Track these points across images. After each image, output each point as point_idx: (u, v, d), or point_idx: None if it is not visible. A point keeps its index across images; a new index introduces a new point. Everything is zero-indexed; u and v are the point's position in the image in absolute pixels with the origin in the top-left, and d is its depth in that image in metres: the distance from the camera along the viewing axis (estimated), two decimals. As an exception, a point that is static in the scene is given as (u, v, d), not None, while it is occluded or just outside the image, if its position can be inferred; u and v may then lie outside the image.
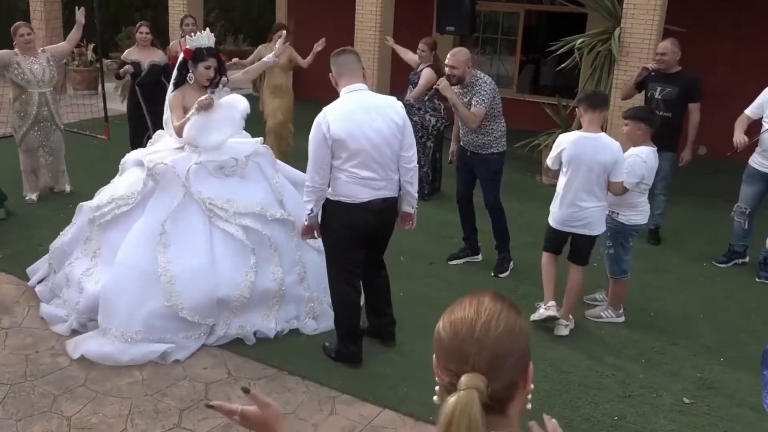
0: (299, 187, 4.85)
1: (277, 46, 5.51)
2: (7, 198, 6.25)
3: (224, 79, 4.83)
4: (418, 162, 7.12)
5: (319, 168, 3.84)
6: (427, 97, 7.19)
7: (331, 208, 3.99)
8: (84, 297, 4.34)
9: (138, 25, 7.46)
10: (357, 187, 3.87)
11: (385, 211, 4.01)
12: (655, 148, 4.67)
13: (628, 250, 4.79)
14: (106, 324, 4.18)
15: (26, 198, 6.70)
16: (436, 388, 1.36)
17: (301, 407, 3.78)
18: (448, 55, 5.24)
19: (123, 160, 4.87)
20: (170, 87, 4.77)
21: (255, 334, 4.38)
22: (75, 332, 4.36)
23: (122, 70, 7.15)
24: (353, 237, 4.01)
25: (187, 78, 4.62)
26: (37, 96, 6.52)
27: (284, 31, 7.28)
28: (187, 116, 4.47)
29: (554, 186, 6.76)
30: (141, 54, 7.23)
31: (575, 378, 4.18)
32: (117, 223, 4.47)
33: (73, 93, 12.22)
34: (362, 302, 4.41)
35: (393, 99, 4.10)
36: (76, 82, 12.61)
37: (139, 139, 7.15)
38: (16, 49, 6.47)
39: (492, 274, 5.58)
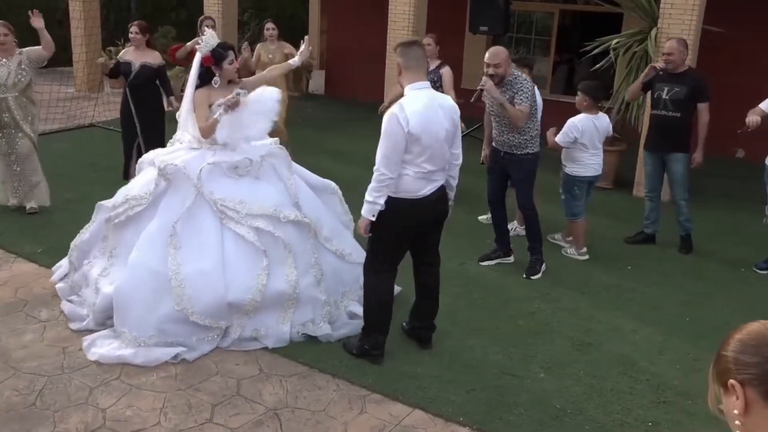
0: (315, 190, 4.87)
1: (302, 48, 5.41)
2: None
3: (243, 81, 4.84)
4: None
5: (393, 161, 3.87)
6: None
7: (396, 206, 3.96)
8: (100, 298, 4.36)
9: (130, 24, 7.20)
10: (421, 181, 3.96)
11: (441, 199, 4.14)
12: (598, 115, 5.78)
13: (576, 197, 5.88)
14: (121, 327, 4.19)
15: (9, 203, 6.42)
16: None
17: (332, 405, 3.80)
18: (489, 55, 5.19)
19: (140, 160, 4.88)
20: (190, 87, 4.70)
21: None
22: (91, 331, 4.38)
23: (100, 63, 6.84)
24: (409, 232, 4.08)
25: (212, 82, 4.60)
26: None
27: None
28: (214, 117, 4.47)
29: (588, 188, 6.64)
30: (135, 54, 6.98)
31: (607, 383, 4.13)
32: (131, 223, 4.49)
33: (110, 91, 12.40)
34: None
35: (450, 98, 4.18)
36: (112, 81, 12.77)
37: (129, 143, 7.06)
38: None
39: (524, 276, 5.54)
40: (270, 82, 5.25)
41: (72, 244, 4.91)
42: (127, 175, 7.06)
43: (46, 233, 5.96)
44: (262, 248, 4.32)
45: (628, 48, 7.91)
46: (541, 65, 11.80)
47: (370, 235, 4.07)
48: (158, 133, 7.04)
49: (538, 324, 4.81)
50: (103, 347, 4.16)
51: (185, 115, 4.75)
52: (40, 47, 6.26)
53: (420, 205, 4.00)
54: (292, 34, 15.90)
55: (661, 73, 6.10)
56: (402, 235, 4.10)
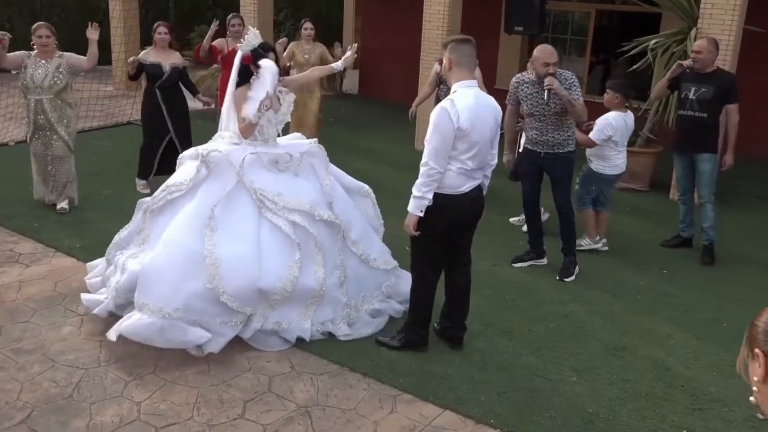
0: (349, 192, 4.88)
1: (348, 54, 5.47)
2: None
3: (285, 79, 4.88)
4: None
5: (442, 155, 3.89)
6: None
7: (437, 203, 3.99)
8: (125, 275, 4.35)
9: (156, 25, 7.13)
10: (462, 177, 3.99)
11: (478, 198, 4.16)
12: (627, 113, 5.82)
13: (590, 191, 5.97)
14: (143, 299, 4.15)
15: (47, 201, 6.49)
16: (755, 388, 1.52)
17: (362, 404, 3.81)
18: (548, 55, 5.13)
19: (180, 157, 4.92)
20: (231, 85, 4.75)
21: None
22: (112, 315, 4.39)
23: (129, 66, 6.84)
24: (448, 229, 4.10)
25: (251, 81, 4.66)
26: (33, 103, 6.18)
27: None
28: (250, 119, 4.52)
29: (623, 190, 6.64)
30: (159, 55, 6.94)
31: (642, 387, 4.07)
32: (167, 208, 4.53)
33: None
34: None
35: (493, 99, 4.19)
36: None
37: (157, 143, 7.08)
38: (31, 51, 6.16)
39: (557, 278, 5.48)
40: (309, 83, 5.29)
41: (111, 243, 4.95)
42: (149, 173, 7.21)
43: (83, 229, 6.08)
44: (297, 241, 4.37)
45: (667, 49, 7.79)
46: (577, 66, 11.68)
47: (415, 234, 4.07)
48: (188, 131, 7.20)
49: (571, 327, 4.76)
50: (125, 321, 4.14)
51: (226, 112, 4.81)
52: (83, 57, 6.29)
53: (459, 202, 4.03)
54: (327, 34, 16.02)
55: (688, 71, 5.99)
56: (443, 233, 4.11)
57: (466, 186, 4.03)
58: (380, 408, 3.78)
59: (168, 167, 7.10)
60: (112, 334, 4.15)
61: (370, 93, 13.37)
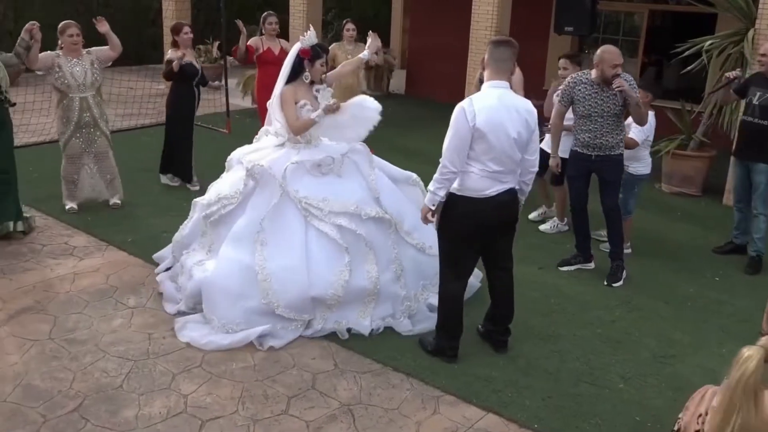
0: (397, 182, 4.89)
1: (369, 41, 5.39)
2: (28, 218, 5.97)
3: (326, 76, 4.91)
4: None
5: (458, 152, 3.86)
6: None
7: (457, 204, 3.99)
8: (192, 283, 4.58)
9: (180, 24, 7.26)
10: (487, 180, 3.92)
11: (510, 202, 4.06)
12: (652, 112, 5.65)
13: (634, 195, 5.90)
14: (210, 314, 4.40)
15: (66, 207, 6.44)
16: None
17: (405, 404, 3.81)
18: (615, 56, 5.04)
19: (229, 158, 5.03)
20: (281, 79, 4.79)
21: (349, 330, 4.44)
22: (182, 313, 4.61)
23: (175, 65, 6.86)
24: (473, 232, 4.04)
25: (303, 77, 4.70)
26: (78, 101, 6.20)
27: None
28: (312, 118, 4.59)
29: (675, 194, 6.48)
30: (186, 55, 7.03)
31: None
32: (224, 221, 4.68)
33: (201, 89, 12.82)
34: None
35: (528, 102, 4.10)
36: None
37: (190, 140, 7.26)
38: (58, 51, 6.19)
39: (605, 283, 5.39)
40: (344, 78, 5.31)
41: (174, 239, 5.15)
42: (189, 172, 7.34)
43: (134, 224, 6.22)
44: (344, 245, 4.40)
45: (722, 50, 7.58)
46: (628, 67, 11.44)
47: (439, 235, 4.11)
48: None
49: (618, 333, 4.68)
50: (194, 331, 4.37)
51: (273, 108, 4.86)
52: (107, 48, 6.40)
53: (484, 206, 3.94)
54: (375, 33, 16.07)
55: (736, 81, 5.81)
56: (467, 236, 4.04)
57: (493, 189, 3.94)
58: (423, 408, 3.78)
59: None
60: (181, 336, 4.35)
61: (416, 93, 13.35)
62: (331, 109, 4.60)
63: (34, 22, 5.82)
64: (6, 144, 5.73)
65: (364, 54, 5.35)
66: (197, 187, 7.18)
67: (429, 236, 4.77)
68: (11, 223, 5.71)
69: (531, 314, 4.84)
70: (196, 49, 13.30)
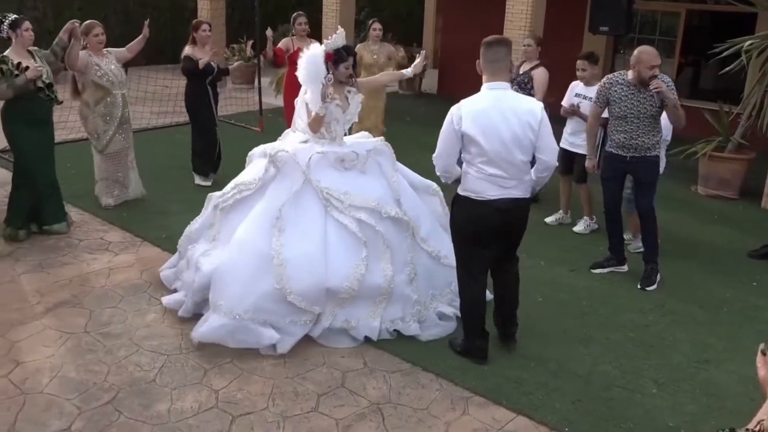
0: (417, 190, 4.88)
1: (417, 61, 5.41)
2: (67, 215, 6.05)
3: (356, 81, 4.90)
4: None
5: (443, 155, 3.98)
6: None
7: (460, 203, 4.05)
8: (199, 276, 4.48)
9: (198, 22, 7.28)
10: (484, 183, 3.91)
11: (514, 210, 4.00)
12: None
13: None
14: (217, 300, 4.28)
15: (102, 203, 6.54)
16: None
17: (434, 405, 3.80)
18: (654, 57, 4.98)
19: (250, 153, 5.01)
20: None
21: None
22: (197, 315, 4.51)
23: (201, 62, 6.95)
24: (478, 234, 4.03)
25: (326, 79, 4.64)
26: (120, 97, 6.36)
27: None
28: (316, 111, 4.55)
29: (711, 197, 6.38)
30: (203, 52, 7.08)
31: (727, 403, 3.90)
32: (237, 207, 4.64)
33: (232, 87, 12.96)
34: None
35: (532, 100, 4.05)
36: (234, 76, 13.37)
37: (213, 137, 7.33)
38: (86, 50, 6.21)
39: (638, 286, 5.32)
40: (379, 85, 5.32)
41: (183, 234, 5.09)
42: (210, 167, 7.42)
43: (169, 220, 6.30)
44: (363, 239, 4.38)
45: (763, 50, 7.42)
46: (665, 67, 11.28)
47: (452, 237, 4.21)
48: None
49: (652, 337, 4.61)
50: (202, 325, 4.29)
51: (299, 105, 4.88)
52: (125, 49, 6.54)
53: (483, 208, 3.93)
54: (407, 33, 16.06)
55: None
56: (470, 235, 4.04)
57: (492, 193, 3.91)
58: (452, 409, 3.77)
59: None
60: (194, 340, 4.29)
61: (448, 93, 13.30)
62: (329, 95, 4.53)
63: (75, 20, 5.88)
64: (51, 144, 5.85)
65: (408, 71, 5.40)
66: (209, 183, 7.31)
67: (444, 245, 4.76)
68: (57, 225, 5.85)
69: (562, 316, 4.79)
70: (229, 48, 13.49)
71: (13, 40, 5.52)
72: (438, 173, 4.10)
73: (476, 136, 3.80)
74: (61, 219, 5.91)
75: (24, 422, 3.51)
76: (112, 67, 6.32)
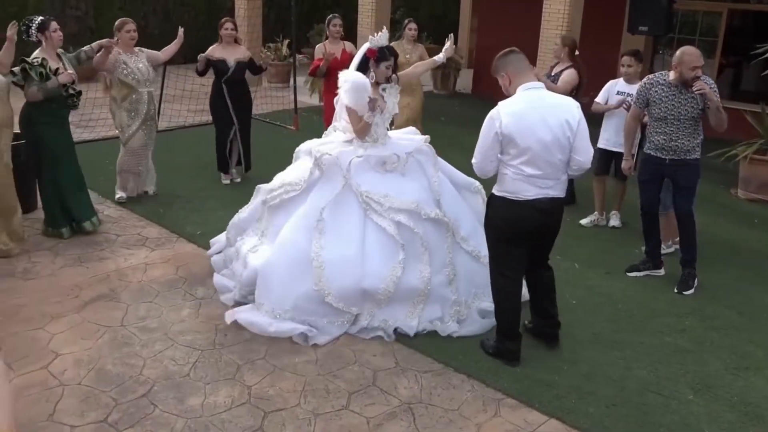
0: (458, 188, 4.87)
1: (447, 45, 5.42)
2: (95, 214, 6.07)
3: (395, 76, 4.92)
4: None
5: (483, 158, 3.94)
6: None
7: (496, 204, 4.03)
8: (247, 271, 4.65)
9: (223, 21, 7.23)
10: (522, 183, 3.89)
11: (551, 210, 3.99)
12: None
13: (668, 191, 5.45)
14: (261, 299, 4.47)
15: (117, 196, 6.67)
16: None
17: (465, 405, 3.78)
18: (696, 57, 4.89)
19: (297, 149, 5.11)
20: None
21: (395, 331, 4.43)
22: (238, 303, 4.68)
23: (200, 62, 6.95)
24: (514, 234, 4.01)
25: (369, 77, 4.72)
26: (146, 95, 6.46)
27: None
28: (365, 121, 4.59)
29: (751, 200, 6.22)
30: (225, 51, 7.08)
31: (766, 412, 3.81)
32: (284, 207, 4.74)
33: (268, 85, 13.07)
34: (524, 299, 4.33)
35: (569, 100, 4.03)
36: (270, 75, 13.48)
37: (225, 136, 7.28)
38: (116, 48, 6.30)
39: (675, 290, 5.22)
40: (415, 78, 5.34)
41: (230, 222, 5.23)
42: (226, 165, 7.43)
43: (204, 216, 6.38)
44: (401, 242, 4.41)
45: (807, 51, 7.25)
46: (705, 68, 11.06)
47: (486, 237, 4.18)
48: (249, 126, 7.46)
49: (689, 342, 4.53)
50: (244, 312, 4.47)
51: (340, 106, 4.90)
52: (159, 52, 6.64)
53: (520, 209, 3.91)
54: (443, 33, 16.03)
55: None
56: (507, 235, 4.02)
57: (530, 193, 3.89)
58: (483, 411, 3.75)
59: (238, 157, 7.47)
60: (228, 317, 4.46)
61: (483, 92, 13.23)
62: (378, 106, 4.58)
63: (111, 40, 6.17)
64: (70, 142, 5.93)
65: (440, 57, 5.40)
66: (226, 181, 7.38)
67: (485, 245, 4.73)
68: (88, 222, 5.91)
69: (596, 319, 4.74)
70: (266, 47, 13.59)
71: (43, 42, 5.61)
72: (479, 171, 4.05)
73: (516, 137, 3.80)
74: (89, 216, 5.94)
75: (62, 413, 3.58)
76: (140, 65, 6.41)
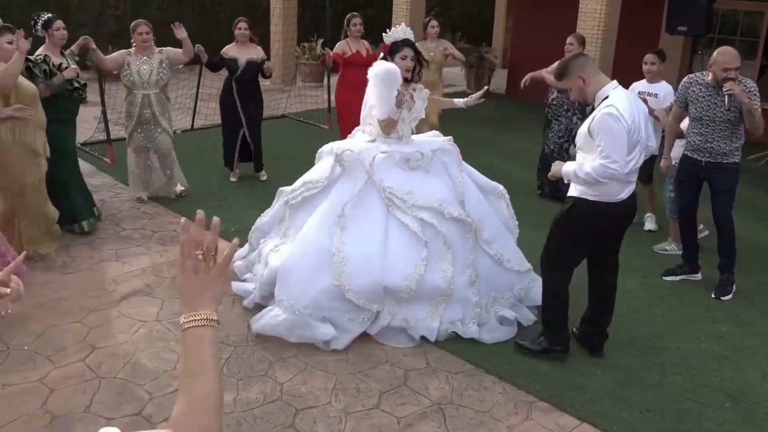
0: (483, 191, 4.82)
1: (478, 94, 5.15)
2: (95, 214, 6.09)
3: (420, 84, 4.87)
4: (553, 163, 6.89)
5: (623, 158, 3.75)
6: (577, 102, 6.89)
7: (586, 208, 3.93)
8: (267, 270, 4.60)
9: (237, 21, 7.25)
10: (622, 184, 3.89)
11: (634, 205, 4.07)
12: None
13: None
14: (280, 295, 4.40)
15: (135, 196, 6.70)
16: None
17: (496, 408, 3.77)
18: (730, 58, 4.80)
19: (320, 150, 5.06)
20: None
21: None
22: (258, 306, 4.62)
23: (198, 51, 6.78)
24: (596, 236, 4.02)
25: (400, 86, 4.68)
26: (140, 97, 6.37)
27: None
28: (391, 116, 4.56)
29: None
30: (239, 50, 7.09)
31: (805, 422, 3.73)
32: (305, 205, 4.71)
33: (302, 85, 13.14)
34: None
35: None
36: (304, 74, 13.57)
37: (233, 134, 7.26)
38: (131, 49, 6.37)
39: (712, 295, 5.13)
40: (432, 104, 5.24)
41: (253, 226, 5.23)
42: (231, 162, 7.43)
43: (237, 214, 6.44)
44: (424, 239, 4.37)
45: None
46: (746, 69, 10.84)
47: (557, 233, 4.07)
48: (259, 126, 7.41)
49: (726, 349, 4.45)
50: (264, 317, 4.40)
51: (367, 108, 4.89)
52: (180, 50, 6.58)
53: (616, 210, 3.94)
54: (477, 33, 15.95)
55: None
56: (587, 239, 4.03)
57: (624, 193, 3.92)
58: (515, 413, 3.72)
59: (247, 155, 7.44)
60: (253, 328, 4.40)
61: (517, 93, 13.13)
62: (402, 101, 4.56)
63: (85, 36, 6.19)
64: (73, 140, 5.96)
65: (460, 102, 5.23)
66: (233, 179, 7.42)
67: (509, 249, 4.72)
68: (86, 223, 5.89)
69: (632, 324, 4.67)
70: (300, 47, 13.68)
71: (47, 40, 5.71)
72: (603, 177, 3.75)
73: (633, 133, 3.80)
74: (87, 217, 5.90)
75: (99, 405, 3.65)
76: (144, 67, 6.35)
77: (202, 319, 1.35)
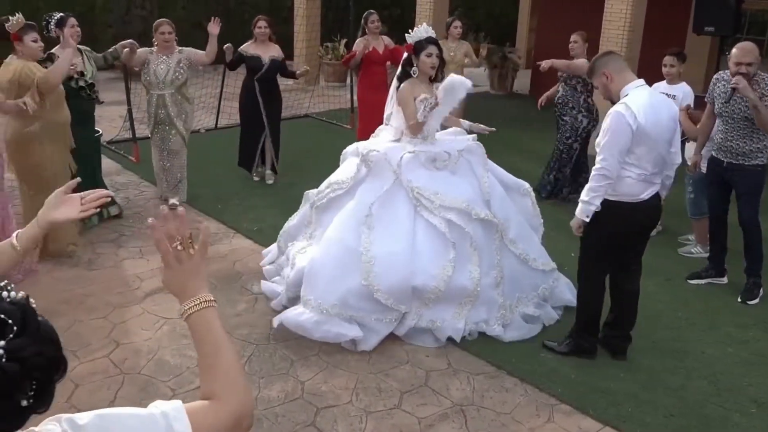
0: (508, 189, 4.80)
1: (483, 127, 5.09)
2: (98, 213, 5.96)
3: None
4: (563, 163, 6.76)
5: (619, 158, 3.77)
6: (582, 97, 6.81)
7: (608, 208, 3.90)
8: (294, 271, 4.60)
9: (256, 19, 7.16)
10: (643, 184, 3.88)
11: (658, 206, 4.05)
12: None
13: (705, 195, 5.38)
14: (307, 295, 4.38)
15: (162, 196, 6.71)
16: None
17: (518, 410, 3.75)
18: (739, 53, 4.74)
19: (344, 151, 5.07)
20: (395, 82, 4.86)
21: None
22: (286, 308, 4.59)
23: (227, 50, 6.78)
24: (621, 237, 4.00)
25: (411, 72, 4.70)
26: (155, 98, 6.34)
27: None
28: (418, 118, 4.55)
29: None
30: (259, 49, 7.02)
31: (834, 429, 3.66)
32: (331, 205, 4.71)
33: (325, 84, 13.18)
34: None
35: (666, 97, 4.06)
36: (327, 74, 13.61)
37: (256, 133, 7.21)
38: (153, 48, 6.36)
39: (739, 300, 5.06)
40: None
41: (281, 231, 5.22)
42: (251, 165, 7.39)
43: (260, 213, 6.48)
44: (452, 240, 4.36)
45: None
46: (774, 70, 10.70)
47: (582, 237, 4.06)
48: (279, 124, 7.40)
49: (752, 354, 4.38)
50: (289, 312, 4.39)
51: (389, 108, 4.90)
52: (203, 52, 6.46)
53: (638, 210, 3.91)
54: (500, 33, 15.88)
55: None
56: (614, 240, 4.01)
57: (646, 193, 3.89)
58: (536, 416, 3.70)
59: (271, 161, 7.41)
60: (275, 321, 4.42)
61: (541, 94, 13.06)
62: (431, 105, 4.52)
63: (133, 42, 6.19)
64: (92, 141, 6.00)
65: (466, 124, 5.12)
66: (258, 179, 7.41)
67: (534, 248, 4.70)
68: (96, 218, 5.90)
69: (656, 327, 4.63)
70: (323, 47, 13.72)
71: (61, 38, 5.67)
72: (599, 183, 3.81)
73: (649, 131, 3.75)
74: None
75: (122, 400, 3.69)
76: (161, 67, 6.31)
77: (202, 302, 1.44)
